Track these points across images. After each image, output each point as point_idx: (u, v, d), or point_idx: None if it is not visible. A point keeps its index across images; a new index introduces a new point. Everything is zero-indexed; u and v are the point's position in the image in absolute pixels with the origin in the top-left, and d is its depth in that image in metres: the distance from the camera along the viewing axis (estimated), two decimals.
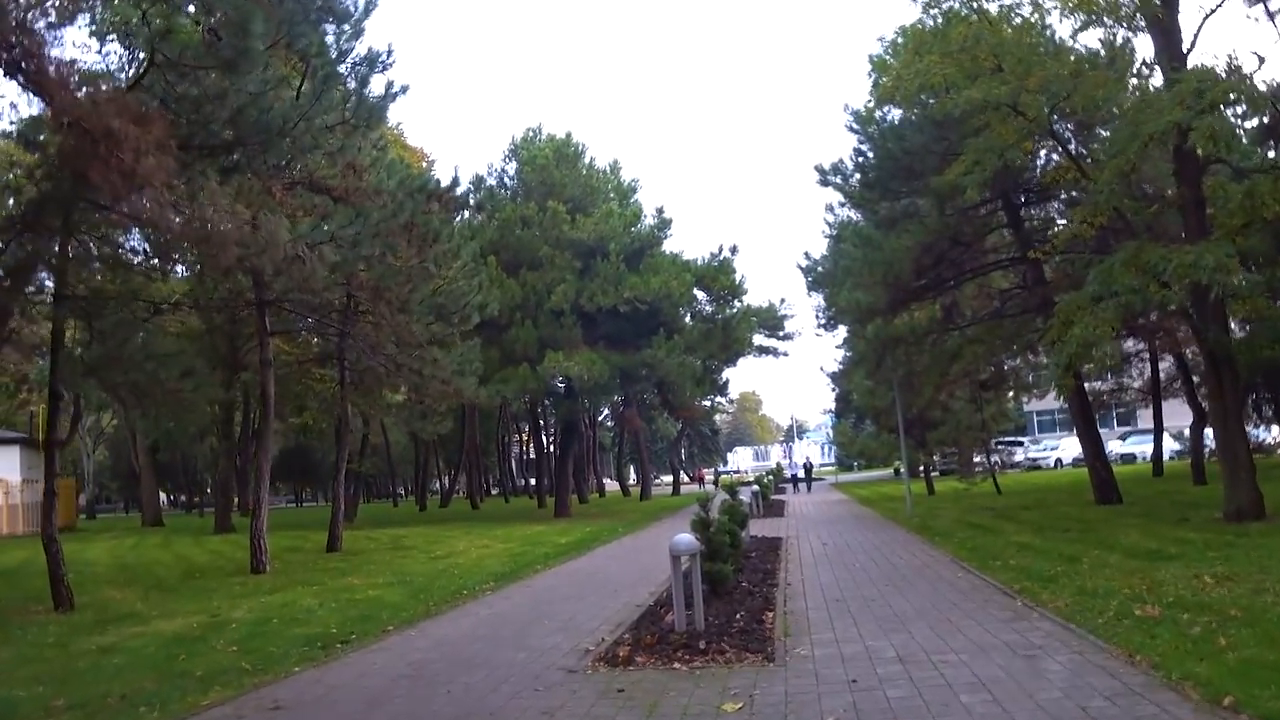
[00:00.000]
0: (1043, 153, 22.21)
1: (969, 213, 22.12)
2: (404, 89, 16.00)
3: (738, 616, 9.57)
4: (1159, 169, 18.93)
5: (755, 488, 28.54)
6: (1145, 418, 47.04)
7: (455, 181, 18.54)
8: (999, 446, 31.97)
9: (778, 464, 56.27)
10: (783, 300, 65.80)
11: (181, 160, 11.81)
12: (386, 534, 28.95)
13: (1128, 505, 21.02)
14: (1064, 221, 23.86)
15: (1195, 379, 28.86)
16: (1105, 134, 19.02)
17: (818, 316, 57.00)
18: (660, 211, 35.31)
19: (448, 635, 10.15)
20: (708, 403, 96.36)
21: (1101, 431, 63.92)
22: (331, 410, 31.14)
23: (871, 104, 21.94)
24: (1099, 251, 20.82)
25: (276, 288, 16.70)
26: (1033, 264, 22.49)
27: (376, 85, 15.62)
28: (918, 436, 31.14)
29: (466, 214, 33.92)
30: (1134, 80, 19.45)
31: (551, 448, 72.44)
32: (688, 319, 34.98)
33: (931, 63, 16.44)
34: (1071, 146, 18.72)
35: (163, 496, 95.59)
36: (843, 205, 25.67)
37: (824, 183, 24.62)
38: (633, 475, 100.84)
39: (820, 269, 51.94)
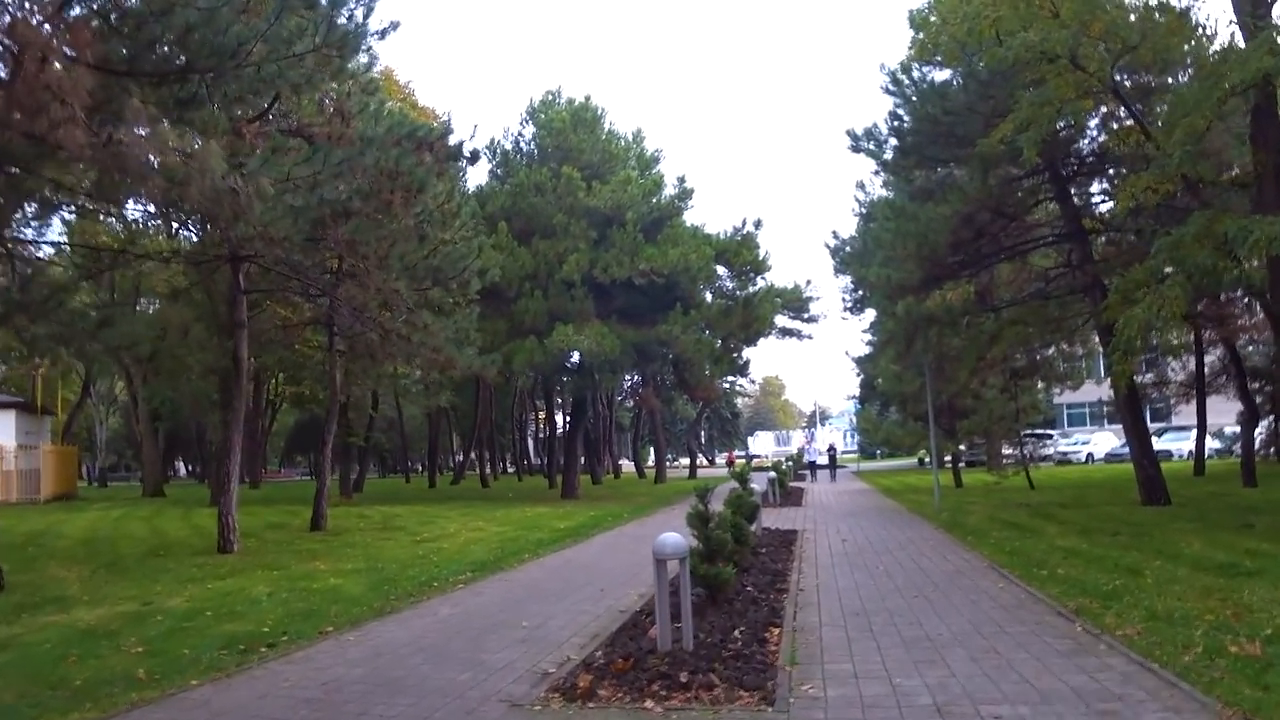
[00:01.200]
0: (1094, 120, 20.38)
1: (1013, 184, 20.27)
2: (393, 25, 14.40)
3: (736, 633, 7.92)
4: (1226, 139, 17.08)
5: (772, 474, 26.83)
6: (1182, 415, 45.04)
7: (448, 129, 16.85)
8: (1027, 439, 29.97)
9: (799, 449, 54.24)
10: (809, 281, 63.72)
11: (122, 86, 10.28)
12: (382, 511, 27.58)
13: (1177, 507, 19.23)
14: (1111, 201, 22.07)
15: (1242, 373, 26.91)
16: (1168, 98, 17.02)
17: (844, 299, 55.36)
18: (681, 181, 33.53)
19: (390, 642, 8.56)
20: (727, 384, 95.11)
21: None
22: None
23: (911, 60, 20.01)
24: (1156, 228, 19.02)
25: (237, 234, 15.10)
26: (1080, 241, 20.66)
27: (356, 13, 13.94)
28: (946, 425, 29.29)
29: (474, 177, 32.34)
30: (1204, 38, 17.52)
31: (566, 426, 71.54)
32: (707, 295, 33.27)
33: (981, 3, 14.57)
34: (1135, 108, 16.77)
35: (182, 467, 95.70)
36: (876, 175, 23.79)
37: (855, 148, 22.72)
38: (651, 457, 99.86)
39: (849, 249, 50.16)
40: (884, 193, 43.33)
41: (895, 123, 21.35)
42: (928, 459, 61.06)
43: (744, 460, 56.79)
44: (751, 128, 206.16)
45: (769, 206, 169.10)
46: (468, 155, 17.73)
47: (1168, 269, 13.33)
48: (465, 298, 22.34)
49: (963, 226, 19.27)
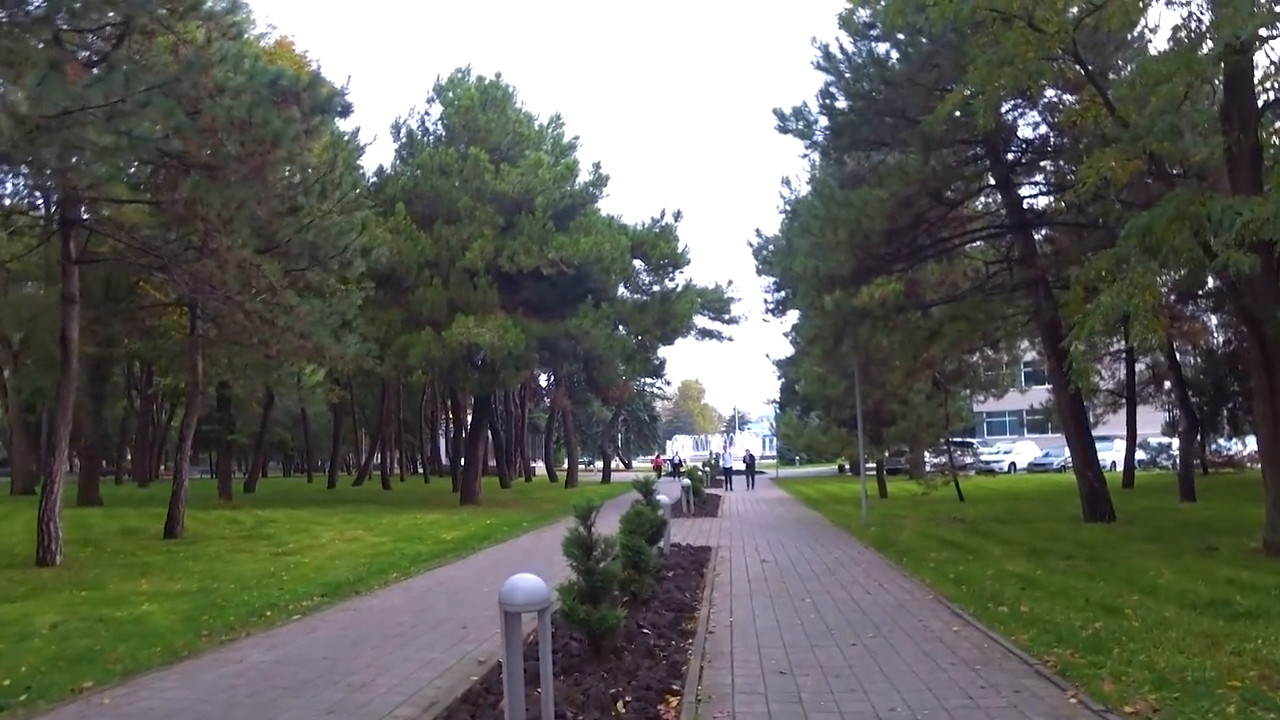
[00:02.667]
0: (1035, 112, 18.82)
1: (955, 168, 18.55)
2: None
3: (621, 706, 5.79)
4: (1183, 123, 15.51)
5: (686, 481, 24.79)
6: (1105, 425, 44.33)
7: (318, 79, 14.37)
8: (947, 447, 28.47)
9: (714, 454, 52.23)
10: (730, 282, 61.72)
11: None
12: (258, 516, 24.92)
13: (1123, 524, 17.70)
14: (1051, 196, 20.55)
15: (1181, 381, 25.70)
16: (1131, 70, 15.37)
17: (766, 300, 53.92)
18: (597, 167, 31.29)
19: (152, 710, 6.25)
20: (645, 386, 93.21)
21: (1052, 438, 61.23)
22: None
23: (848, 13, 18.04)
24: (1106, 221, 17.44)
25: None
26: (1023, 235, 19.03)
27: None
28: (872, 432, 27.62)
29: (378, 158, 29.77)
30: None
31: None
32: (621, 289, 31.07)
33: None
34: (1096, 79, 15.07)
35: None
36: (805, 159, 21.68)
37: (783, 129, 20.77)
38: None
39: (772, 247, 48.60)
40: (811, 189, 41.95)
41: (827, 100, 19.45)
42: (848, 466, 60.04)
43: (674, 464, 54.56)
44: (675, 120, 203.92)
45: (691, 204, 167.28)
46: (340, 108, 15.19)
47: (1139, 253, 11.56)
48: (349, 280, 19.91)
49: (900, 211, 17.44)
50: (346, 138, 30.73)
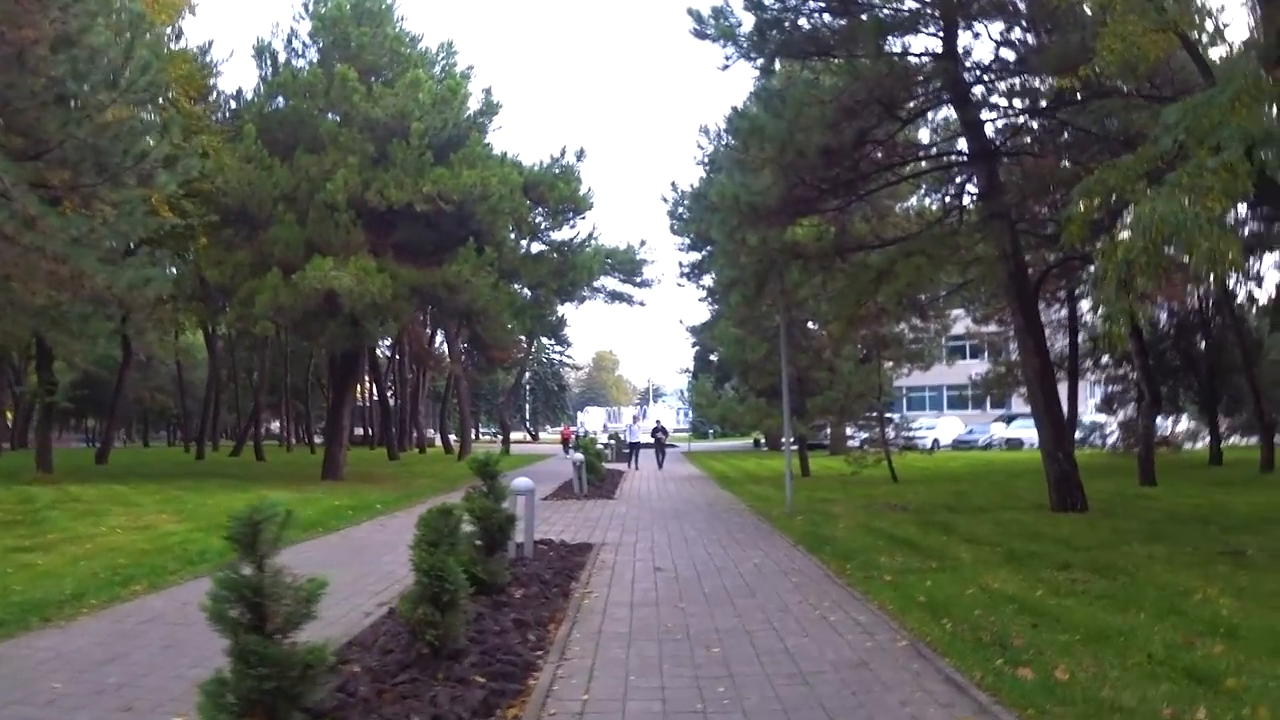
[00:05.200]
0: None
1: (907, 76, 15.02)
2: None
3: None
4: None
5: (578, 457, 21.03)
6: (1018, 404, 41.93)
7: None
8: (880, 420, 25.23)
9: (621, 430, 48.18)
10: (642, 242, 56.87)
11: None
12: (60, 493, 20.51)
13: (1100, 515, 14.55)
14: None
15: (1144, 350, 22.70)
16: None
17: (681, 265, 50.38)
18: (488, 94, 27.21)
19: None
20: (554, 353, 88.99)
21: (974, 414, 59.15)
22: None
23: None
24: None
25: None
26: (985, 162, 15.60)
27: None
28: (794, 403, 24.21)
29: (237, 82, 25.25)
30: None
31: (390, 392, 63.36)
32: (513, 235, 27.02)
33: None
34: None
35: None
36: (725, 68, 17.74)
37: (700, 33, 16.99)
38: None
39: (688, 203, 45.01)
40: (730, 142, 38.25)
41: None
42: (764, 440, 56.82)
43: (582, 436, 50.25)
44: (586, 69, 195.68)
45: (603, 160, 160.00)
46: None
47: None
48: (150, 196, 15.70)
49: (842, 122, 13.85)
50: (172, 33, 26.25)
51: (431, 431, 62.55)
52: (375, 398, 58.86)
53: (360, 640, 6.67)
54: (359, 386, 76.06)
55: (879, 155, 15.88)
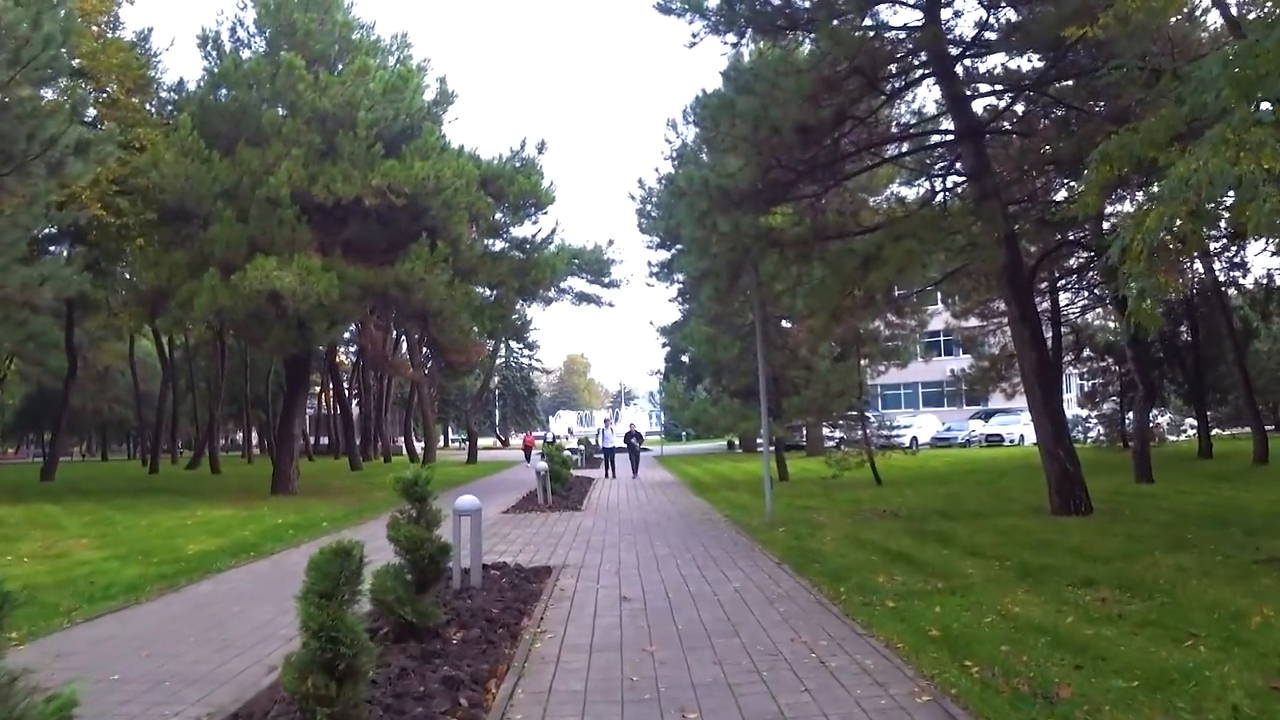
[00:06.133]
0: None
1: (888, 50, 13.81)
2: None
3: None
4: None
5: (541, 465, 19.64)
6: (996, 399, 40.93)
7: None
8: (862, 420, 24.07)
9: (594, 434, 46.57)
10: (610, 242, 54.95)
11: None
12: None
13: (1108, 518, 13.41)
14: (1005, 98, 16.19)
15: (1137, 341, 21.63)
16: None
17: (650, 264, 49.01)
18: (442, 83, 25.80)
19: None
20: (521, 356, 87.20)
21: (950, 412, 58.21)
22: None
23: None
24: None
25: None
26: (972, 140, 14.41)
27: None
28: (771, 404, 22.95)
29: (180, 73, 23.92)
30: None
31: (355, 400, 61.51)
32: (472, 233, 25.56)
33: None
34: None
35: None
36: (692, 46, 16.42)
37: (665, 8, 15.71)
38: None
39: (656, 200, 43.68)
40: (696, 139, 36.92)
41: None
42: (738, 443, 55.56)
43: (546, 442, 48.44)
44: (547, 63, 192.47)
45: (569, 161, 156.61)
46: None
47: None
48: (67, 188, 14.23)
49: (822, 95, 12.62)
50: (107, 21, 24.71)
51: (399, 440, 60.78)
52: (338, 406, 57.07)
53: (246, 713, 5.31)
54: (323, 394, 74.78)
55: (860, 135, 14.65)
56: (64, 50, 13.67)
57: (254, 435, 63.52)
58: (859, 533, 12.65)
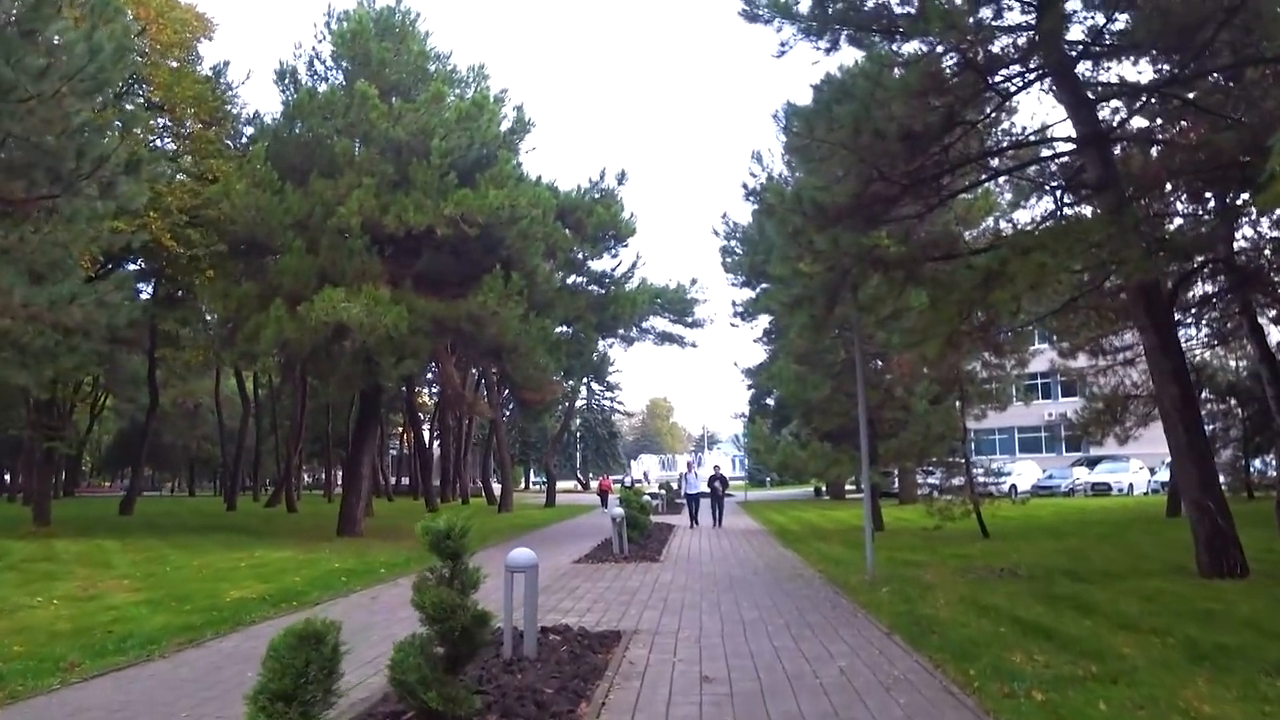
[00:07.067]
0: None
1: (1003, 48, 12.29)
2: None
3: None
4: None
5: (617, 512, 18.19)
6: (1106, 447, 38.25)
7: None
8: (967, 465, 22.22)
9: (676, 478, 44.85)
10: (694, 281, 53.07)
11: None
12: (40, 548, 18.94)
13: (1267, 581, 11.50)
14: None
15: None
16: None
17: (735, 304, 47.47)
18: (520, 110, 24.90)
19: None
20: (604, 399, 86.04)
21: (1049, 458, 55.18)
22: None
23: None
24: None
25: None
26: (1098, 148, 12.74)
27: None
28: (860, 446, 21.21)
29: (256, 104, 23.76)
30: None
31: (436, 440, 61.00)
32: (550, 266, 24.48)
33: None
34: None
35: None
36: (781, 53, 15.03)
37: (751, 16, 14.40)
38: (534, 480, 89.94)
39: (740, 237, 42.32)
40: (785, 170, 35.46)
41: None
42: (825, 489, 53.31)
43: (624, 486, 46.91)
44: (630, 99, 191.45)
45: (654, 198, 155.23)
46: None
47: None
48: (110, 204, 13.42)
49: (930, 92, 11.15)
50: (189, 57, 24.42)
51: (478, 481, 59.95)
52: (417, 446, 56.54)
53: None
54: (405, 434, 74.52)
55: (971, 145, 13.09)
56: (119, 65, 12.88)
57: (337, 474, 63.43)
58: (977, 596, 10.93)
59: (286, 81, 26.33)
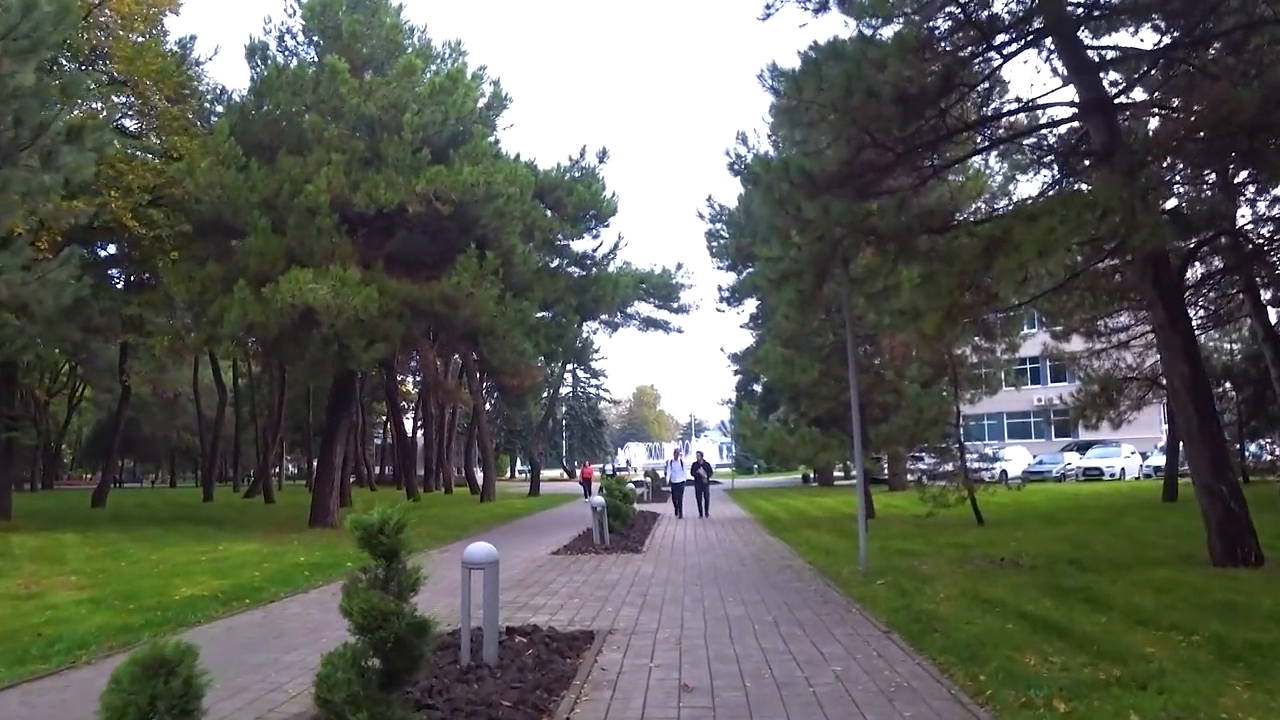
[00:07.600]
0: None
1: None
2: None
3: None
4: None
5: (598, 501, 17.38)
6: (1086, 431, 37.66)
7: None
8: (960, 450, 21.57)
9: (661, 467, 44.09)
10: (679, 266, 51.90)
11: None
12: None
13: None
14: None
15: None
16: None
17: (721, 289, 46.71)
18: (496, 84, 24.00)
19: None
20: (589, 385, 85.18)
21: (1038, 444, 54.63)
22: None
23: None
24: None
25: None
26: (1102, 114, 12.01)
27: None
28: (852, 432, 20.49)
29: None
30: None
31: (419, 427, 60.22)
32: (529, 247, 23.61)
33: None
34: None
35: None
36: (804, 26, 14.25)
37: None
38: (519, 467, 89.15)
39: (726, 219, 41.53)
40: (772, 151, 34.63)
41: None
42: (814, 475, 52.61)
43: (607, 475, 45.96)
44: (613, 78, 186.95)
45: (639, 181, 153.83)
46: None
47: None
48: (58, 177, 12.57)
49: (926, 52, 10.40)
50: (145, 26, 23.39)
51: (460, 471, 59.14)
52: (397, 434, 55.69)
53: None
54: (389, 422, 73.48)
55: (969, 109, 12.34)
56: (60, 25, 11.99)
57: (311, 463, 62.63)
58: (979, 588, 10.21)
59: (257, 58, 25.37)
